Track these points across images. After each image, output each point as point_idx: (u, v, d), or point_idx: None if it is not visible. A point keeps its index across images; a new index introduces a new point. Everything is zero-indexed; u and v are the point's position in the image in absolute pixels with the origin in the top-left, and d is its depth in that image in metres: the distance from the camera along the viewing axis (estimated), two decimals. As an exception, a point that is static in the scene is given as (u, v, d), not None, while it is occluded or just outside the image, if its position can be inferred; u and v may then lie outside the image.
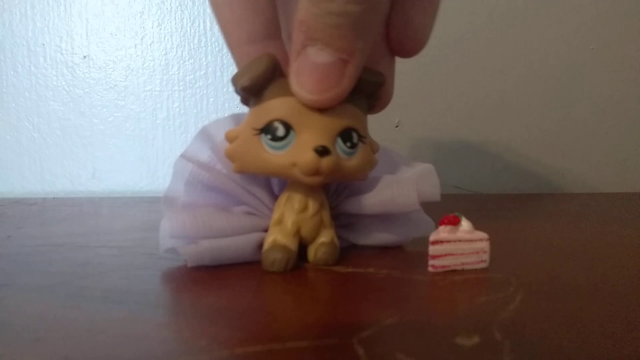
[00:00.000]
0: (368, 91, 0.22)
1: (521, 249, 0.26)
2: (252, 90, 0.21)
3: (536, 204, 0.43)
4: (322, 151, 0.20)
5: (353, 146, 0.21)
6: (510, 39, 0.52)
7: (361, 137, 0.21)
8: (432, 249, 0.21)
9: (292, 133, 0.20)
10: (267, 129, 0.20)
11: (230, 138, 0.21)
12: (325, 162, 0.20)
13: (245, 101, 0.22)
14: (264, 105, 0.21)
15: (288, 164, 0.20)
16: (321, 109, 0.20)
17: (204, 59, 0.51)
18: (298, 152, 0.20)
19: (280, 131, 0.20)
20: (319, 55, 0.19)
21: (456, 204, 0.42)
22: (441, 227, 0.21)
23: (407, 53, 0.23)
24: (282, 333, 0.15)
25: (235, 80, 0.21)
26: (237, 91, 0.21)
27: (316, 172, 0.20)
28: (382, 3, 0.19)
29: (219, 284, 0.19)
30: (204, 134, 0.23)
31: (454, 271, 0.21)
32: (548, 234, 0.30)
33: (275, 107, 0.20)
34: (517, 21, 0.52)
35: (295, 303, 0.18)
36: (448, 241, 0.21)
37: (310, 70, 0.19)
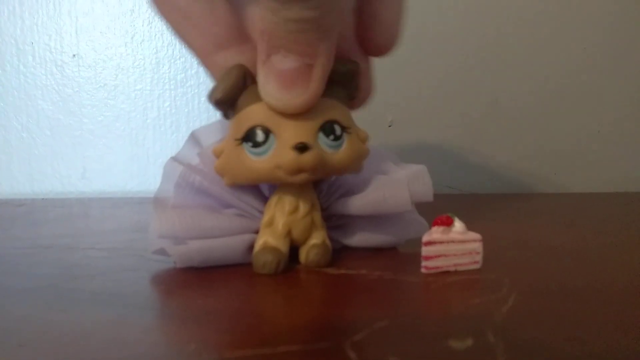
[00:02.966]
0: (343, 81, 0.22)
1: (514, 250, 0.25)
2: (226, 102, 0.21)
3: (529, 204, 0.43)
4: (302, 147, 0.20)
5: (337, 138, 0.21)
6: (503, 39, 0.52)
7: (345, 128, 0.21)
8: (425, 250, 0.21)
9: (271, 137, 0.20)
10: (247, 137, 0.20)
11: (217, 154, 0.22)
12: (306, 158, 0.20)
13: (225, 115, 0.22)
14: (240, 114, 0.21)
15: (272, 167, 0.20)
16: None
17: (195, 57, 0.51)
18: (279, 154, 0.20)
19: (260, 136, 0.20)
20: (283, 62, 0.19)
21: (449, 204, 0.42)
22: (434, 228, 0.21)
23: (380, 51, 0.23)
24: (272, 337, 0.14)
25: (209, 96, 0.21)
26: (215, 107, 0.22)
27: (299, 170, 0.20)
28: (341, 4, 0.19)
29: (209, 287, 0.19)
30: (193, 140, 0.24)
31: (447, 272, 0.21)
32: (541, 234, 0.30)
33: (251, 113, 0.20)
34: (510, 21, 0.52)
35: (286, 306, 0.18)
36: (441, 242, 0.21)
37: (276, 77, 0.19)
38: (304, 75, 0.19)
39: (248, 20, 0.22)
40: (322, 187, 0.24)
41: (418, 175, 0.24)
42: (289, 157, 0.20)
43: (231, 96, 0.21)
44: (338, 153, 0.21)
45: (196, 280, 0.20)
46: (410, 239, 0.25)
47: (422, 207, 0.25)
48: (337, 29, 0.19)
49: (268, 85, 0.19)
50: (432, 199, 0.24)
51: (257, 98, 0.20)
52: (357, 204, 0.23)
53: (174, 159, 0.23)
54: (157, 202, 0.22)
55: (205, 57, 0.22)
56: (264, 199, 0.23)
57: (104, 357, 0.13)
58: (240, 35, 0.21)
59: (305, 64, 0.19)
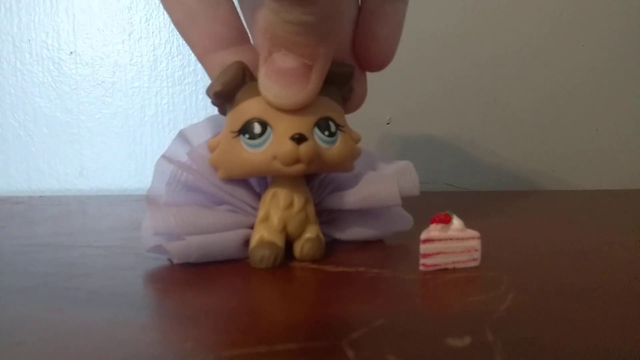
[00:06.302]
0: (338, 82, 0.22)
1: (513, 247, 0.25)
2: (224, 95, 0.21)
3: (528, 201, 0.43)
4: (299, 138, 0.20)
5: (331, 135, 0.21)
6: (502, 36, 0.52)
7: (339, 126, 0.22)
8: (423, 248, 0.21)
9: (268, 129, 0.20)
10: (244, 129, 0.21)
11: (212, 147, 0.22)
12: (304, 148, 0.20)
13: (221, 110, 0.22)
14: (237, 108, 0.21)
15: (268, 158, 0.20)
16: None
17: (192, 54, 0.51)
18: (276, 145, 0.20)
19: (257, 128, 0.20)
20: (284, 61, 0.19)
21: (447, 201, 0.42)
22: (432, 226, 0.21)
23: (374, 67, 0.24)
24: (270, 335, 0.14)
25: (208, 89, 0.21)
26: (212, 101, 0.22)
27: (296, 160, 0.20)
28: (341, 11, 0.20)
29: (206, 284, 0.19)
30: (182, 138, 0.24)
31: (445, 270, 0.21)
32: (540, 231, 0.30)
33: (249, 107, 0.21)
34: (509, 18, 0.52)
35: (283, 304, 0.18)
36: (439, 239, 0.21)
37: (277, 75, 0.20)
38: (303, 75, 0.20)
39: (253, 19, 0.22)
40: (314, 182, 0.24)
41: (405, 171, 0.25)
42: (287, 147, 0.20)
43: (230, 89, 0.21)
44: (332, 149, 0.22)
45: (193, 278, 0.20)
46: (404, 235, 0.25)
47: (421, 204, 0.25)
48: (336, 34, 0.20)
49: (268, 82, 0.20)
50: (418, 193, 0.25)
51: (255, 93, 0.20)
52: (348, 199, 0.24)
53: (165, 157, 0.23)
54: (150, 200, 0.22)
55: (204, 55, 0.22)
56: (256, 195, 0.23)
57: (100, 356, 0.13)
58: (239, 36, 0.22)
59: (304, 64, 0.19)
